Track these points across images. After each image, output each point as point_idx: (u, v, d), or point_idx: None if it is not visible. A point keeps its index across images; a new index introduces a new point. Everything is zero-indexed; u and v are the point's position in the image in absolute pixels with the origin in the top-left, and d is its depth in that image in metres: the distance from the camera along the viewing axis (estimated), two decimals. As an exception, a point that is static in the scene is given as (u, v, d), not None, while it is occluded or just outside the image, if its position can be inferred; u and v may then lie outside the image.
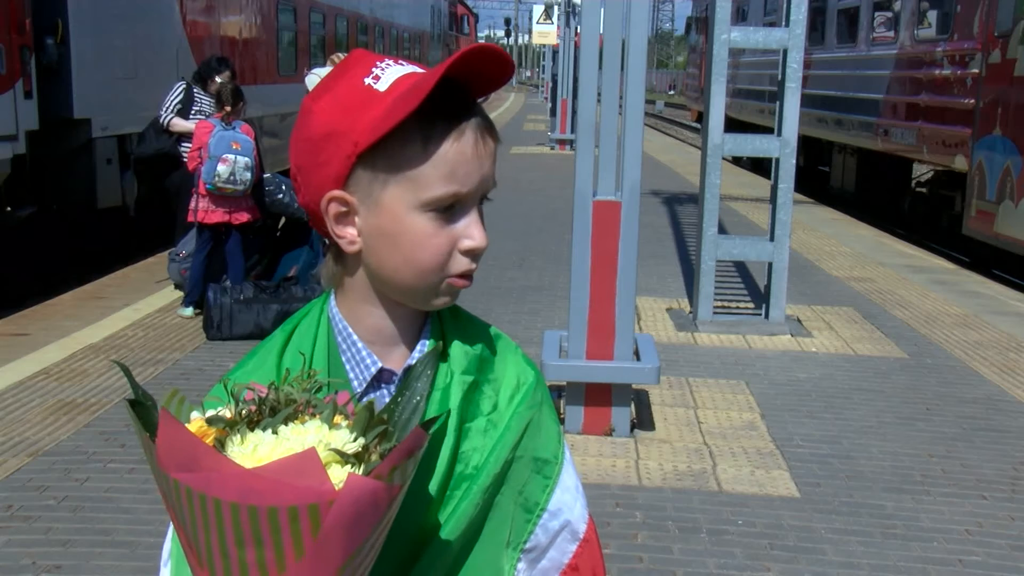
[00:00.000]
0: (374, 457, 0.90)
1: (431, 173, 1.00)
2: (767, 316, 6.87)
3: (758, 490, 4.23)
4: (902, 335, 6.80)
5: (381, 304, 1.08)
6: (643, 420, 4.99)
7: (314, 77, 7.41)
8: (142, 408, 0.91)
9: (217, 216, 6.64)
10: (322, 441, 0.88)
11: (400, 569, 1.03)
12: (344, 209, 1.04)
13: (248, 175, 6.58)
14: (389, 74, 1.02)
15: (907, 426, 5.06)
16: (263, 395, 0.93)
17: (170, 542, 1.10)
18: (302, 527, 0.84)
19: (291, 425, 0.90)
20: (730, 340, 6.56)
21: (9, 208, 8.20)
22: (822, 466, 4.51)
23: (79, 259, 8.98)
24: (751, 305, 7.45)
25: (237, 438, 0.89)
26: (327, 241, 1.09)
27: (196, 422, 0.92)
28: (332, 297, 1.11)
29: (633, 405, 4.93)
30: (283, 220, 7.79)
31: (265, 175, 7.48)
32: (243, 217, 6.72)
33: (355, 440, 0.90)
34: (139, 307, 7.06)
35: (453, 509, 1.05)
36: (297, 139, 1.05)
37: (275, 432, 0.89)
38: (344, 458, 0.88)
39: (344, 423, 0.91)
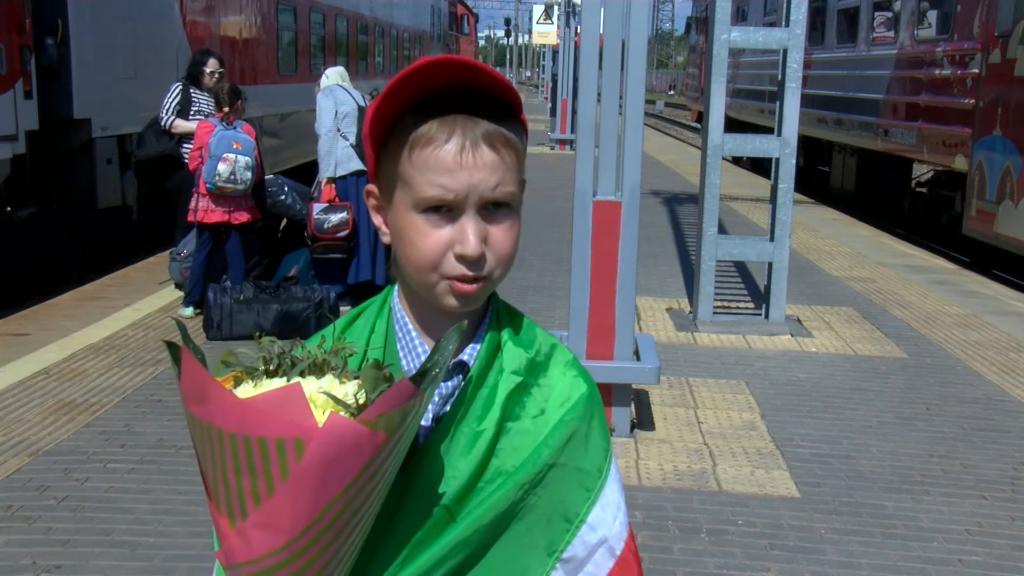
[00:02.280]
0: None
1: (416, 176, 1.06)
2: (767, 316, 6.87)
3: (758, 490, 4.23)
4: (902, 335, 6.80)
5: (424, 298, 1.13)
6: (643, 420, 4.99)
7: (323, 79, 7.46)
8: (179, 352, 1.01)
9: (216, 216, 6.64)
10: (321, 388, 0.95)
11: (420, 541, 1.07)
12: (375, 202, 1.14)
13: (248, 174, 6.58)
14: None
15: (907, 426, 5.07)
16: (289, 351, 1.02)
17: None
18: (288, 459, 0.91)
19: (307, 378, 0.98)
20: (730, 340, 6.56)
21: (9, 208, 8.20)
22: (822, 466, 4.51)
23: (79, 259, 8.98)
24: (751, 305, 7.45)
25: (251, 382, 0.98)
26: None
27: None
28: (396, 287, 1.18)
29: (633, 405, 4.93)
30: (284, 221, 7.79)
31: (267, 176, 7.48)
32: (242, 217, 6.72)
33: (357, 393, 0.96)
34: (139, 307, 7.06)
35: (484, 499, 1.09)
36: None
37: (288, 380, 0.97)
38: (341, 406, 0.94)
39: (355, 381, 0.98)
